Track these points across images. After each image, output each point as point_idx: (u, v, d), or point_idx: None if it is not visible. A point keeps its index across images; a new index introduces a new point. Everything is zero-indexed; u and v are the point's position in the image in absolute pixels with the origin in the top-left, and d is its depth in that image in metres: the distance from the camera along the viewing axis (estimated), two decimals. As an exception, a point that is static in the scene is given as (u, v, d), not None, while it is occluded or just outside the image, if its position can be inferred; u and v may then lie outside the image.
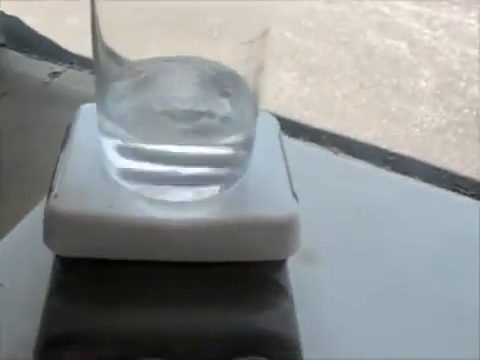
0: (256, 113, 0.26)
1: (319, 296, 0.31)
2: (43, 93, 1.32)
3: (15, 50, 1.46)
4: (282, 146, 0.29)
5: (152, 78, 0.26)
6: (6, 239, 0.34)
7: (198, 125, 0.25)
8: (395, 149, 1.22)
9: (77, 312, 0.25)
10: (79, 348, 0.25)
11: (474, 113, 1.32)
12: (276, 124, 0.31)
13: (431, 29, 1.55)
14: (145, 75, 0.25)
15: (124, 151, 0.25)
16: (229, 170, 0.26)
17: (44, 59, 1.44)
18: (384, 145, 1.22)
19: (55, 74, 1.39)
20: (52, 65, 1.43)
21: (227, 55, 0.23)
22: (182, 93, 0.25)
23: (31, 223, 0.34)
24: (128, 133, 0.25)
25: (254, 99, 0.26)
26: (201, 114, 0.26)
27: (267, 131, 0.29)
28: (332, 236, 0.35)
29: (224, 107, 0.26)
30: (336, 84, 1.38)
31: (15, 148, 1.08)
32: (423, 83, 1.39)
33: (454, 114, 1.32)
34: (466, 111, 1.33)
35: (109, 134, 0.25)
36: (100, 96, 0.25)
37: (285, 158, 0.28)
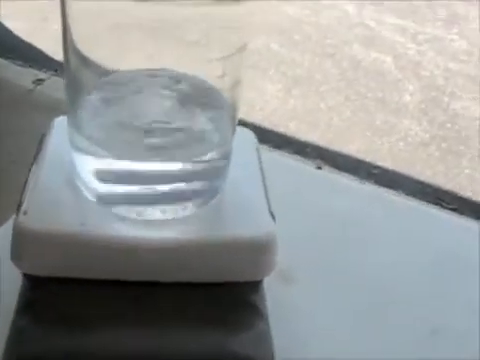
0: (233, 129, 0.26)
1: (298, 317, 0.30)
2: (26, 100, 1.30)
3: (-2, 56, 1.44)
4: (260, 162, 0.29)
5: (126, 92, 0.25)
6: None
7: (173, 141, 0.25)
8: (379, 162, 1.22)
9: (44, 332, 0.24)
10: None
11: (456, 128, 1.34)
12: (254, 139, 0.30)
13: (416, 44, 1.57)
14: (119, 89, 0.25)
15: (96, 167, 0.25)
16: (205, 188, 0.26)
17: (28, 66, 1.43)
18: (368, 158, 1.22)
19: (39, 81, 1.37)
20: (36, 72, 1.41)
21: (202, 70, 0.23)
22: (157, 108, 0.25)
23: (2, 238, 0.33)
24: (101, 149, 0.24)
25: (231, 115, 0.25)
26: (176, 130, 0.25)
27: (245, 147, 0.29)
28: (314, 253, 0.34)
29: (200, 123, 0.25)
30: (321, 96, 1.38)
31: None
32: (407, 97, 1.40)
33: (438, 128, 1.33)
34: (448, 126, 1.34)
35: (81, 149, 0.25)
36: (71, 109, 0.24)
37: (263, 175, 0.28)
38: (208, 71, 0.23)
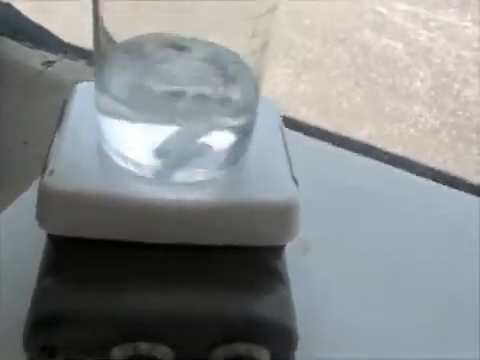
0: (257, 96, 0.26)
1: (313, 285, 0.31)
2: (36, 82, 1.30)
3: (8, 38, 1.44)
4: (282, 131, 0.29)
5: (153, 57, 0.25)
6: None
7: (199, 106, 0.25)
8: (389, 148, 1.22)
9: (68, 292, 0.24)
10: (69, 329, 0.24)
11: (467, 115, 1.33)
12: (277, 109, 0.30)
13: (427, 30, 1.56)
14: (146, 53, 0.25)
15: (122, 130, 0.25)
16: (228, 152, 0.26)
17: (38, 48, 1.42)
18: (378, 144, 1.22)
19: (49, 63, 1.37)
20: (46, 54, 1.41)
21: (231, 30, 0.23)
22: (183, 74, 0.25)
23: (22, 205, 0.33)
24: (127, 112, 0.24)
25: (256, 81, 0.25)
26: (202, 95, 0.25)
27: (268, 116, 0.29)
28: (326, 226, 0.35)
29: (225, 89, 0.25)
30: (331, 82, 1.38)
31: (6, 137, 1.07)
32: (418, 83, 1.40)
33: (448, 115, 1.32)
34: (459, 113, 1.33)
35: (107, 113, 0.25)
36: (99, 73, 0.25)
37: (285, 143, 0.28)
38: (237, 32, 0.23)
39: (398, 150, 1.20)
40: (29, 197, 0.31)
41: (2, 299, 0.28)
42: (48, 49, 1.42)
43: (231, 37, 0.23)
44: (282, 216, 0.25)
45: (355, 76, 1.40)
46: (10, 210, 0.33)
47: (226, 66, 0.25)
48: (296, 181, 0.26)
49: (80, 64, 1.39)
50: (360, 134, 1.23)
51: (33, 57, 1.42)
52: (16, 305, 0.26)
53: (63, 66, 1.40)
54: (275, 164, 0.26)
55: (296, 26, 1.53)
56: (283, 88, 1.33)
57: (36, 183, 0.25)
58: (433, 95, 1.37)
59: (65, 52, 1.42)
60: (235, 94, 0.26)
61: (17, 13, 1.52)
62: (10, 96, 1.23)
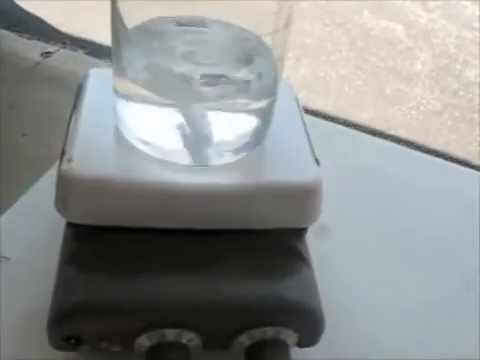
0: (279, 78, 0.25)
1: (331, 268, 0.30)
2: (34, 73, 1.29)
3: (6, 29, 1.43)
4: (301, 113, 0.28)
5: (172, 39, 0.24)
6: (8, 213, 0.33)
7: (219, 90, 0.24)
8: (391, 131, 1.22)
9: (91, 282, 0.24)
10: (94, 318, 0.24)
11: (469, 96, 1.32)
12: (292, 91, 0.30)
13: (427, 11, 1.54)
14: (164, 35, 0.24)
15: (142, 114, 0.24)
16: (250, 135, 0.25)
17: (36, 39, 1.41)
18: (381, 127, 1.21)
19: (47, 54, 1.36)
20: (44, 45, 1.40)
21: (257, 9, 0.22)
22: (204, 57, 0.24)
23: (34, 196, 0.33)
24: (146, 96, 0.23)
25: (277, 65, 0.25)
26: (222, 79, 0.24)
27: (285, 98, 0.28)
28: (342, 208, 0.34)
29: (246, 71, 0.25)
30: (332, 65, 1.37)
31: (5, 128, 1.06)
32: (419, 65, 1.39)
33: (450, 97, 1.31)
34: (461, 93, 1.32)
35: (126, 97, 0.24)
36: (117, 56, 0.24)
37: (305, 124, 0.27)
38: (264, 10, 0.22)
39: (400, 132, 1.19)
40: (39, 189, 0.31)
41: (21, 292, 0.28)
42: (46, 40, 1.41)
43: (255, 16, 0.22)
44: (306, 197, 0.25)
45: (356, 59, 1.40)
46: (19, 204, 0.33)
47: (246, 48, 0.25)
48: (318, 162, 0.25)
49: (78, 54, 1.39)
50: (362, 117, 1.23)
51: (31, 48, 1.41)
52: (37, 297, 0.25)
53: (60, 56, 1.39)
54: (296, 145, 0.26)
55: (295, 10, 1.52)
56: (283, 73, 1.33)
57: (49, 174, 0.25)
58: (434, 76, 1.37)
59: (63, 43, 1.41)
60: (256, 76, 0.25)
61: (16, 5, 1.51)
62: (9, 87, 1.22)
